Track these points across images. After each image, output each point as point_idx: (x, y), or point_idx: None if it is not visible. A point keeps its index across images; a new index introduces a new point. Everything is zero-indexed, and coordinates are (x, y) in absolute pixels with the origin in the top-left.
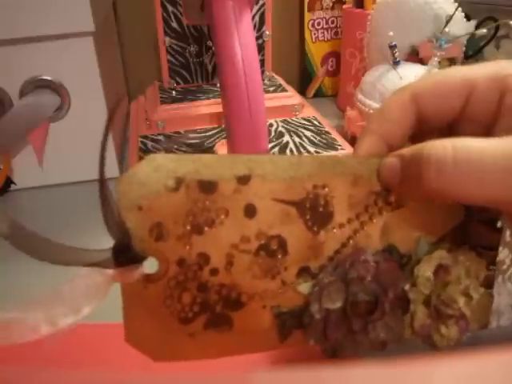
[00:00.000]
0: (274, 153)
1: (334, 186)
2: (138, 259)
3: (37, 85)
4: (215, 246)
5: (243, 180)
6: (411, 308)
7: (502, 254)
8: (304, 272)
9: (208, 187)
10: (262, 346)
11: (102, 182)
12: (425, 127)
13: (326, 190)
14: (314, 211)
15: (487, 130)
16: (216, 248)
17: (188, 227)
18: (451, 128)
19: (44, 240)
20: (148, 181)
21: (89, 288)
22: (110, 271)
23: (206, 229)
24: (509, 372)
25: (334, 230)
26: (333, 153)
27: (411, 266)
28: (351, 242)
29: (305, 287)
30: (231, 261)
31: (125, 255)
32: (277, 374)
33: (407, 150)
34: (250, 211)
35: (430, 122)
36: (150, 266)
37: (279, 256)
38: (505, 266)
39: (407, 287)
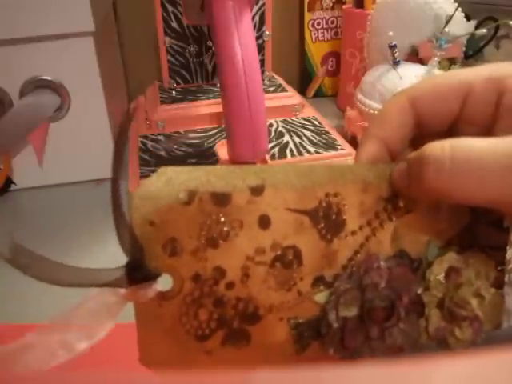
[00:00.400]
0: (273, 153)
1: (345, 193)
2: (151, 277)
3: (37, 85)
4: (231, 259)
5: (256, 191)
6: (425, 312)
7: (509, 253)
8: (319, 281)
9: (221, 199)
10: (280, 359)
11: (116, 200)
12: (424, 130)
13: (338, 197)
14: (327, 219)
15: (486, 132)
16: (231, 261)
17: (202, 241)
18: (451, 131)
19: (51, 262)
20: (160, 195)
21: (101, 309)
22: (123, 290)
23: (221, 242)
24: (509, 371)
25: (347, 238)
26: (332, 153)
27: (423, 270)
28: (363, 249)
29: (321, 297)
30: (247, 273)
31: (138, 273)
32: (277, 374)
33: (413, 153)
34: (265, 222)
35: (429, 125)
36: (164, 282)
37: (295, 266)
38: (511, 265)
39: (420, 291)
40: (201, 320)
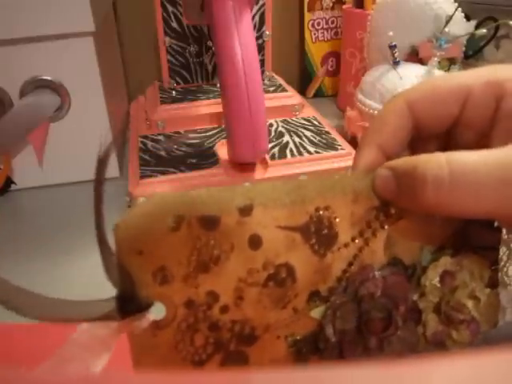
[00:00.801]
0: (273, 153)
1: (335, 206)
2: (143, 307)
3: (37, 85)
4: (223, 282)
5: (245, 211)
6: (422, 317)
7: (502, 251)
8: (314, 296)
9: (210, 222)
10: None
11: (101, 234)
12: (422, 134)
13: (329, 211)
14: (318, 234)
15: (485, 136)
16: (224, 284)
17: (193, 266)
18: (449, 134)
19: (42, 298)
20: (146, 223)
21: (95, 344)
22: (115, 324)
23: (212, 266)
24: (508, 371)
25: (340, 250)
26: (332, 153)
27: (417, 276)
28: (357, 260)
29: (317, 312)
30: (241, 295)
31: (130, 304)
32: (277, 374)
33: (399, 163)
34: (255, 242)
35: (427, 128)
36: (157, 310)
37: (288, 284)
38: (503, 263)
39: (416, 297)
40: (197, 345)
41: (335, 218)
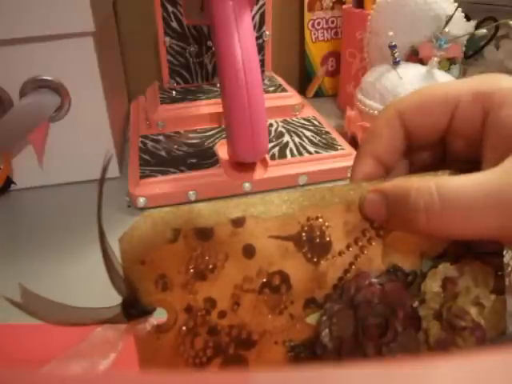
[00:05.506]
0: (273, 153)
1: (327, 215)
2: (147, 311)
3: (37, 85)
4: (219, 289)
5: (238, 223)
6: (423, 325)
7: (507, 256)
8: (311, 303)
9: (204, 234)
10: None
11: (104, 245)
12: (416, 143)
13: (320, 220)
14: (311, 243)
15: (477, 145)
16: (221, 291)
17: (191, 275)
18: (443, 142)
19: (54, 304)
20: (147, 236)
21: (104, 344)
22: (123, 326)
23: (209, 274)
24: (509, 372)
25: (335, 259)
26: (332, 153)
27: (418, 282)
28: (353, 267)
29: (313, 318)
30: (237, 302)
31: (134, 309)
32: (277, 374)
33: (388, 188)
34: (249, 251)
35: (418, 138)
36: (160, 314)
37: (284, 291)
38: (510, 268)
39: (416, 304)
40: (197, 349)
41: (327, 227)
